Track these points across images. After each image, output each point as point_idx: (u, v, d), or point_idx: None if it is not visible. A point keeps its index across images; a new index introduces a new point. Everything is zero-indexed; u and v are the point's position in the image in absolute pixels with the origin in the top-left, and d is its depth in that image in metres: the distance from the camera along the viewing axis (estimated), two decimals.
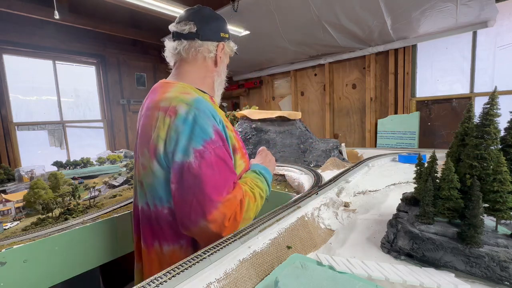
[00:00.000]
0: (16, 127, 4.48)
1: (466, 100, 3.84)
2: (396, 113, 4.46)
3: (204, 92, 1.00)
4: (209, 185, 0.77)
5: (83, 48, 5.04)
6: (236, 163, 0.92)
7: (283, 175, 1.80)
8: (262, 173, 0.98)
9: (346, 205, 1.11)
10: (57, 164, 2.54)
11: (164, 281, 0.56)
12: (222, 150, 0.82)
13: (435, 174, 0.73)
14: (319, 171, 1.73)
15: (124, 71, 5.64)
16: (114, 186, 2.10)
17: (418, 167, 0.82)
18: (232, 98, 7.19)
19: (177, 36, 1.00)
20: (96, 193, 1.83)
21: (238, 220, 0.81)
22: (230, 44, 1.09)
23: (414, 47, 4.22)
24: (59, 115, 4.99)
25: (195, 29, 0.97)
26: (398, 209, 0.81)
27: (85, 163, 2.64)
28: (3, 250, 1.07)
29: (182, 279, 0.57)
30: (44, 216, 1.46)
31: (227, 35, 1.06)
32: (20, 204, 1.61)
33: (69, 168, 2.52)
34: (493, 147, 0.65)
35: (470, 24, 3.47)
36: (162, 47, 1.08)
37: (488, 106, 0.65)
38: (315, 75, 5.57)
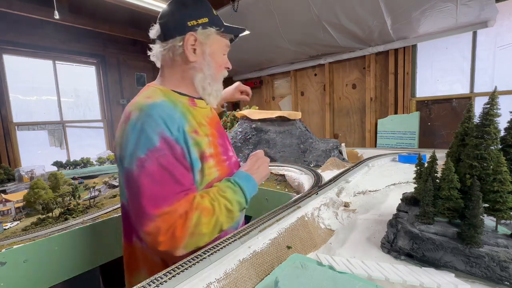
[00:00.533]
0: (16, 127, 4.48)
1: (466, 100, 3.83)
2: (396, 113, 4.46)
3: (183, 94, 0.93)
4: (146, 197, 0.74)
5: (83, 48, 5.04)
6: (204, 171, 0.86)
7: (283, 175, 1.80)
8: (238, 183, 0.87)
9: (346, 205, 1.11)
10: (57, 164, 2.54)
11: (164, 281, 0.56)
12: (167, 159, 0.77)
13: (435, 174, 0.73)
14: (319, 171, 1.73)
15: (124, 71, 5.64)
16: (114, 186, 2.10)
17: (418, 167, 0.82)
18: None
19: (152, 42, 0.98)
20: (96, 193, 1.83)
21: (178, 236, 0.73)
22: (208, 30, 0.91)
23: (414, 47, 4.22)
24: (59, 115, 4.99)
25: (160, 30, 0.92)
26: (398, 209, 0.81)
27: (85, 163, 2.64)
28: (3, 250, 1.07)
29: (182, 279, 0.58)
30: (44, 216, 1.46)
31: (200, 21, 0.90)
32: (20, 204, 1.61)
33: (69, 168, 2.52)
34: (493, 147, 0.65)
35: (470, 24, 3.47)
36: None
37: (488, 106, 0.65)
38: (315, 75, 5.57)
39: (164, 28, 0.92)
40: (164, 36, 0.92)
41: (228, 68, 1.03)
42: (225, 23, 0.96)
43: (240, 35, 1.08)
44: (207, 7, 0.94)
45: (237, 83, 1.43)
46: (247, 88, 1.42)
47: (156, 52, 0.96)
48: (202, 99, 0.98)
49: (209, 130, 0.93)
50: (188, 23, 0.89)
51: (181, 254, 0.75)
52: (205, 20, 0.91)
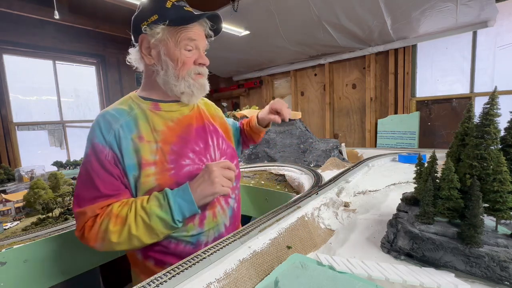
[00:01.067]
0: (16, 127, 4.48)
1: (466, 100, 3.84)
2: (396, 113, 4.46)
3: (146, 99, 0.92)
4: (74, 195, 0.85)
5: (83, 48, 5.04)
6: (140, 179, 0.82)
7: (283, 175, 1.80)
8: (168, 197, 0.79)
9: (346, 205, 1.11)
10: (57, 164, 2.54)
11: (164, 281, 0.56)
12: (91, 164, 0.82)
13: (435, 174, 0.73)
14: (319, 171, 1.73)
15: (124, 71, 5.63)
16: None
17: (418, 167, 0.82)
18: (232, 98, 7.18)
19: None
20: None
21: (86, 236, 0.80)
22: (156, 28, 0.85)
23: (414, 47, 4.21)
24: (59, 115, 4.99)
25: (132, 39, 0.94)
26: (398, 209, 0.81)
27: None
28: (3, 250, 1.07)
29: (182, 279, 0.58)
30: (44, 216, 1.46)
31: (150, 20, 0.85)
32: (20, 204, 1.61)
33: (69, 168, 2.52)
34: (493, 147, 0.65)
35: (470, 24, 3.47)
36: None
37: (488, 106, 0.65)
38: (315, 75, 5.57)
39: (133, 36, 0.93)
40: (133, 44, 0.94)
41: (203, 63, 0.93)
42: (183, 14, 0.87)
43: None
44: (158, 3, 0.87)
45: (272, 101, 1.17)
46: (279, 107, 1.14)
47: (132, 60, 0.96)
48: (176, 101, 0.95)
49: (162, 135, 0.87)
50: (141, 25, 0.87)
51: (107, 250, 0.82)
52: (155, 17, 0.85)
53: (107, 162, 0.81)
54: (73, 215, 1.48)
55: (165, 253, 0.88)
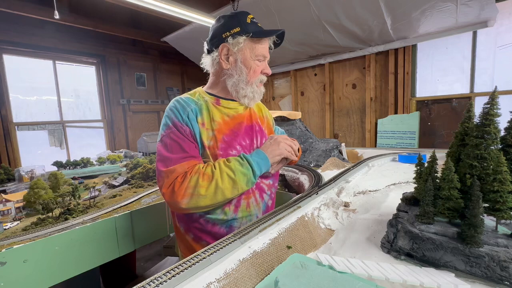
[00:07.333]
0: (16, 127, 4.47)
1: (466, 100, 3.83)
2: (396, 113, 4.46)
3: (211, 94, 1.09)
4: (159, 159, 0.96)
5: (83, 48, 5.03)
6: (204, 159, 1.01)
7: (283, 175, 1.80)
8: (246, 157, 0.98)
9: (346, 205, 1.11)
10: (57, 164, 2.54)
11: (164, 281, 0.56)
12: (176, 134, 0.97)
13: (435, 174, 0.73)
14: (319, 171, 1.73)
15: (124, 71, 5.63)
16: (114, 186, 2.10)
17: (418, 167, 0.82)
18: None
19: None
20: (96, 193, 1.83)
21: (176, 190, 0.89)
22: (238, 39, 1.01)
23: (414, 47, 4.21)
24: (59, 115, 4.98)
25: (206, 46, 1.10)
26: (398, 209, 0.81)
27: (85, 163, 2.64)
28: (3, 250, 1.07)
29: (182, 279, 0.58)
30: (44, 216, 1.46)
31: (233, 31, 1.01)
32: (20, 204, 1.61)
33: (69, 168, 2.52)
34: (493, 147, 0.65)
35: (470, 24, 3.47)
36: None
37: (488, 106, 0.65)
38: (315, 75, 5.57)
39: (208, 44, 1.09)
40: (208, 50, 1.09)
41: (267, 73, 1.11)
42: (261, 29, 1.04)
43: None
44: (240, 18, 1.03)
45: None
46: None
47: (205, 63, 1.13)
48: (234, 101, 1.10)
49: (218, 126, 1.02)
50: (223, 35, 1.02)
51: (185, 208, 0.90)
52: (237, 29, 1.01)
53: (188, 134, 0.98)
54: (73, 215, 1.49)
55: (202, 231, 1.03)
